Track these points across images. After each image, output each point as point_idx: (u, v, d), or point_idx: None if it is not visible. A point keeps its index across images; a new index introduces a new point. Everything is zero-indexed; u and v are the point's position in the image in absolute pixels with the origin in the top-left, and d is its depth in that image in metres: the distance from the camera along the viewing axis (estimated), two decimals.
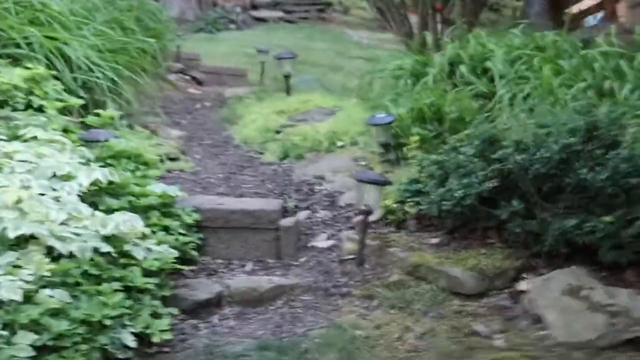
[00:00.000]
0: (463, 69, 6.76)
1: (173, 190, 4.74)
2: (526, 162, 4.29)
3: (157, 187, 4.70)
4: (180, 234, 4.56)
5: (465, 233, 4.70)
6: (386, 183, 4.66)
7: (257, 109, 7.84)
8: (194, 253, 4.61)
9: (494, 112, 6.12)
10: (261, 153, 6.84)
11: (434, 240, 4.73)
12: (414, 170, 5.29)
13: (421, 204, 4.77)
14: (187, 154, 6.60)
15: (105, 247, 3.86)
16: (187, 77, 10.70)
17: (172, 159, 6.18)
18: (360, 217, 4.65)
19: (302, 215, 5.23)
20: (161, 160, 5.89)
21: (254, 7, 18.31)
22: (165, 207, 4.64)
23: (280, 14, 18.28)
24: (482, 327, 4.02)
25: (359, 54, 13.44)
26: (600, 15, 10.69)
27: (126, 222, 4.01)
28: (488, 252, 4.47)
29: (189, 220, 4.70)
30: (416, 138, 5.45)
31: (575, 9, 10.32)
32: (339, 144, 6.58)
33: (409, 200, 4.89)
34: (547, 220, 4.26)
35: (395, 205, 4.93)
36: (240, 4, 17.70)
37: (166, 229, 4.50)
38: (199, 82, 10.73)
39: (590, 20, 10.80)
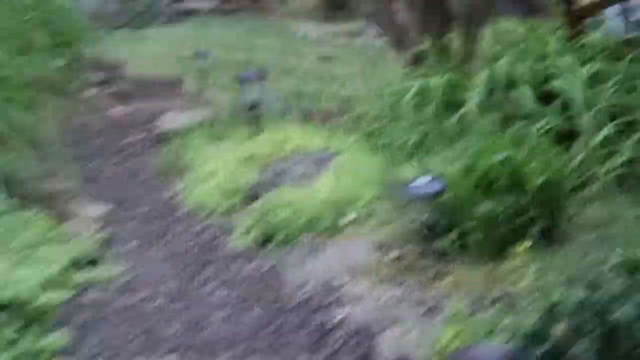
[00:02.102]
0: (525, 92, 4.51)
1: None
2: None
3: None
4: None
5: None
6: None
7: (212, 150, 5.43)
8: None
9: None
10: (227, 231, 4.47)
11: None
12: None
13: None
14: (113, 244, 4.22)
15: None
16: (111, 91, 8.78)
17: (89, 262, 3.84)
18: None
19: None
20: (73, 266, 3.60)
21: None
22: None
23: (212, 4, 15.85)
24: None
25: (311, 52, 11.11)
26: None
27: None
28: None
29: None
30: (525, 245, 3.16)
31: None
32: (348, 217, 4.28)
33: None
34: None
35: None
36: None
37: None
38: (124, 96, 8.69)
39: (610, 14, 6.87)
